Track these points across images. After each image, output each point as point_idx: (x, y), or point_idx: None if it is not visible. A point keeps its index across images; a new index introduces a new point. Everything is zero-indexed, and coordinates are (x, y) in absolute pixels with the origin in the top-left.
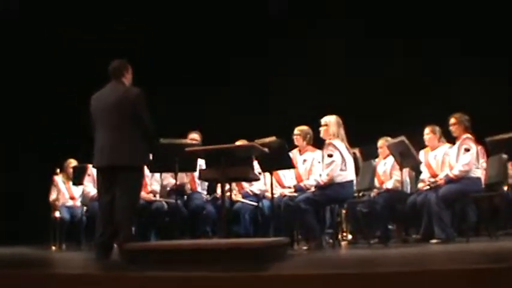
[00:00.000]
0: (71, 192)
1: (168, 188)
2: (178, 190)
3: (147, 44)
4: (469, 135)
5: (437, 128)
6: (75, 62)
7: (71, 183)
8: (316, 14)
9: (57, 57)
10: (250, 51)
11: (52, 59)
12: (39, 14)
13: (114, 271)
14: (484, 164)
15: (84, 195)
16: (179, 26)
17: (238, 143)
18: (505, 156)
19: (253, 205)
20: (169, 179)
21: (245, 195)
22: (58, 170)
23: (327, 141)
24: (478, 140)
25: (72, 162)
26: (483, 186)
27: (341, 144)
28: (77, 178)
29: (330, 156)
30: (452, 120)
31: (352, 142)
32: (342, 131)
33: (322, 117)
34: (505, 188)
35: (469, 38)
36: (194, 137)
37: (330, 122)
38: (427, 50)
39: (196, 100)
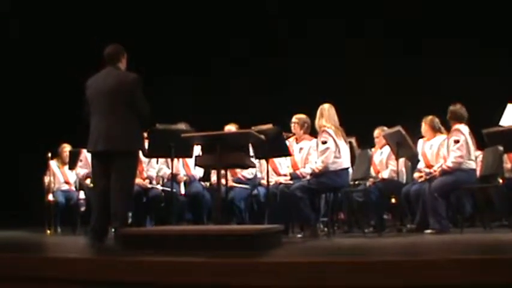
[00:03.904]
0: (66, 177)
1: (165, 180)
2: (174, 177)
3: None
4: (458, 126)
5: (435, 119)
6: (69, 46)
7: (65, 167)
8: (314, 13)
9: (51, 42)
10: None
11: (46, 44)
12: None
13: (109, 255)
14: (481, 156)
15: (79, 180)
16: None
17: (229, 127)
18: (500, 148)
19: (247, 189)
20: (164, 170)
21: (237, 181)
22: (50, 155)
23: (321, 129)
24: (472, 131)
25: (66, 147)
26: (478, 177)
27: (335, 132)
28: (73, 163)
29: (324, 143)
30: (448, 113)
31: (348, 131)
32: (336, 119)
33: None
34: (500, 181)
35: (469, 35)
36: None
37: (324, 110)
38: (427, 47)
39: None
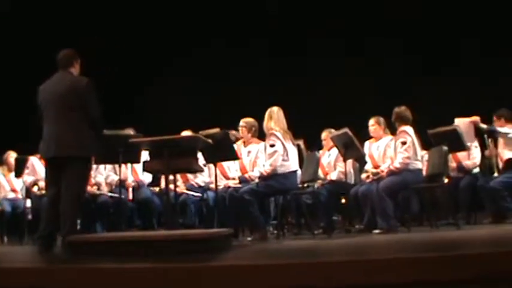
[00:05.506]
0: (12, 185)
1: (113, 186)
2: (122, 183)
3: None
4: (405, 128)
5: (381, 119)
6: (20, 50)
7: (11, 175)
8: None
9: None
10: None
11: None
12: None
13: (57, 263)
14: (426, 156)
15: (26, 188)
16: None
17: (183, 133)
18: (445, 148)
19: (197, 196)
20: (112, 176)
21: (190, 188)
22: None
23: (269, 132)
24: (417, 132)
25: (11, 153)
26: (424, 177)
27: (283, 135)
28: (20, 170)
29: (272, 146)
30: (393, 116)
31: (296, 133)
32: (285, 122)
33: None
34: (446, 180)
35: (411, 38)
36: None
37: (273, 113)
38: (370, 48)
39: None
